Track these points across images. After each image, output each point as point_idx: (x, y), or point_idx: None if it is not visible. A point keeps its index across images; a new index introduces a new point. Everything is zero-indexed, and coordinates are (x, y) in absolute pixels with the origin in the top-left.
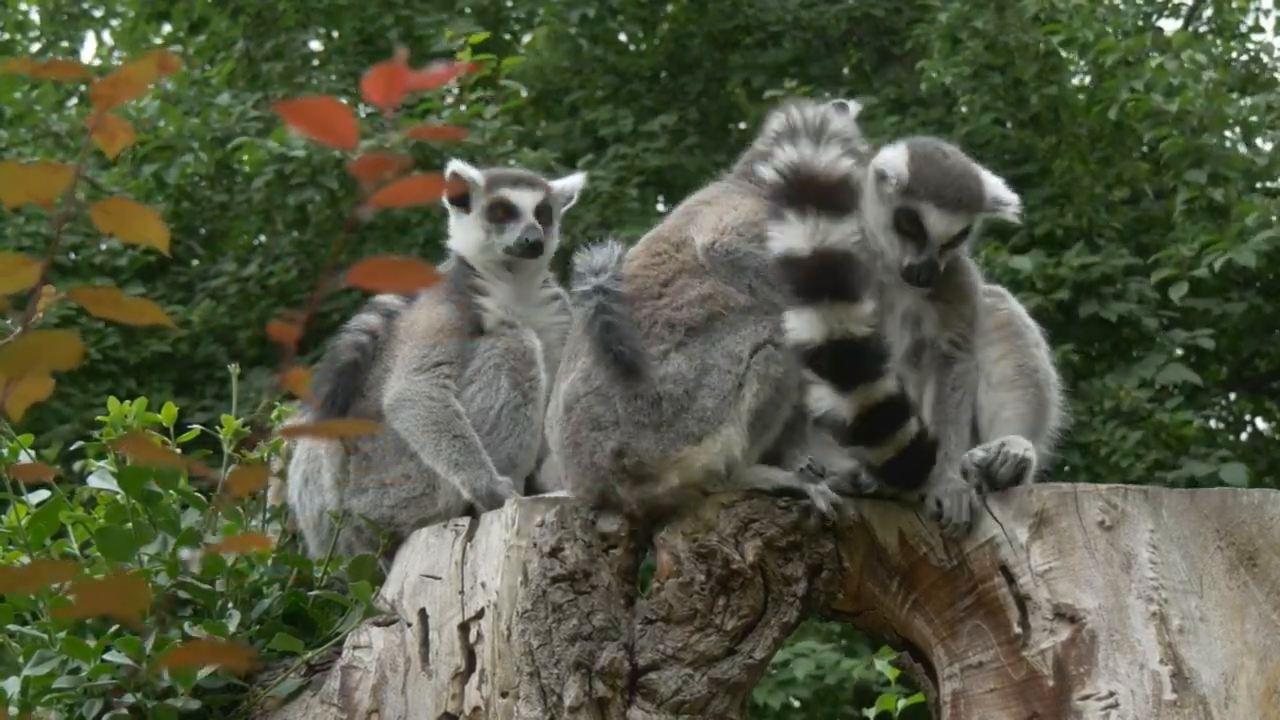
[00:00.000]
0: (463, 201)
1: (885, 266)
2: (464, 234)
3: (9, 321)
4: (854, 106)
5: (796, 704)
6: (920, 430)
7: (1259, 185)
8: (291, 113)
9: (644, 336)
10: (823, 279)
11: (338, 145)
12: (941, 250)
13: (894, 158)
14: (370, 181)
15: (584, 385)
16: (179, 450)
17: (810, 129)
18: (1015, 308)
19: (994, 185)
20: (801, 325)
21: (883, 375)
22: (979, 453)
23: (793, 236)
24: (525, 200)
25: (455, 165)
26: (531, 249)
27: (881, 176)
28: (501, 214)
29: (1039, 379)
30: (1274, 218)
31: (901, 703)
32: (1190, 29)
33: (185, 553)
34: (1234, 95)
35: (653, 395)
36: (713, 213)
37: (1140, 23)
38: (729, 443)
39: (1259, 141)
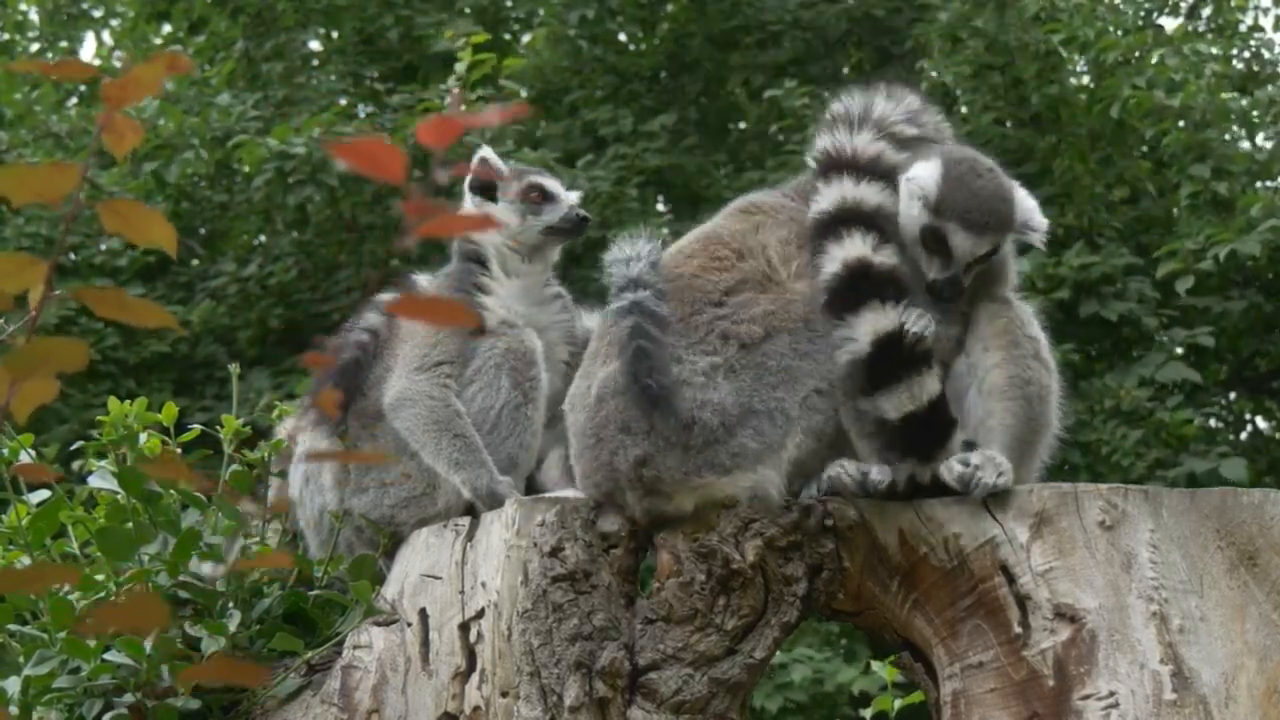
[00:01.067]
0: (487, 191)
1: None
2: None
3: (4, 321)
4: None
5: (794, 706)
6: (942, 396)
7: (1260, 185)
8: (342, 152)
9: (697, 343)
10: (850, 218)
11: (388, 181)
12: (967, 268)
13: (926, 174)
14: (417, 218)
15: (615, 382)
16: (179, 450)
17: (848, 119)
18: (1017, 315)
19: (1026, 209)
20: (828, 262)
21: (894, 304)
22: (957, 467)
23: (823, 201)
24: (559, 186)
25: (485, 152)
26: (582, 222)
27: (911, 192)
28: (538, 197)
29: (1030, 392)
30: (1279, 199)
31: (898, 703)
32: (1190, 28)
33: (207, 567)
34: (1236, 94)
35: (688, 418)
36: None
37: (1141, 21)
38: (764, 481)
39: (1260, 139)
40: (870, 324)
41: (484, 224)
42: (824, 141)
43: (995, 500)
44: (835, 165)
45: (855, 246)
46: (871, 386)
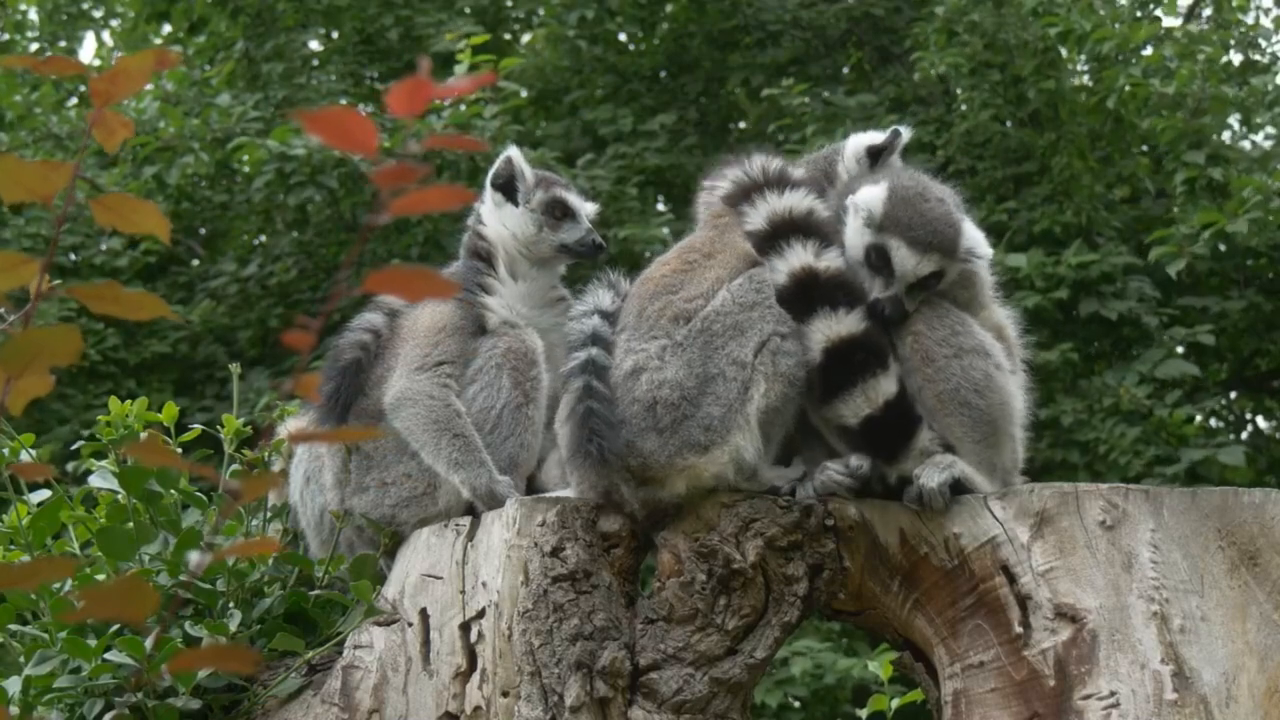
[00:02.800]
0: (508, 191)
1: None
2: (510, 223)
3: (2, 311)
4: (906, 132)
5: (796, 704)
6: (902, 395)
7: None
8: (312, 122)
9: (647, 331)
10: (786, 229)
11: (358, 154)
12: (909, 290)
13: (871, 194)
14: (391, 190)
15: None
16: (180, 450)
17: (734, 162)
18: (921, 324)
19: (972, 237)
20: (776, 271)
21: (846, 310)
22: (911, 490)
23: (754, 219)
24: (584, 206)
25: (512, 152)
26: (596, 249)
27: (856, 211)
28: (559, 213)
29: (963, 396)
30: (1274, 185)
31: (895, 702)
32: (1193, 28)
33: (193, 556)
34: (1232, 84)
35: (648, 400)
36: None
37: (1139, 13)
38: (738, 450)
39: (1259, 138)
40: (822, 332)
41: (456, 197)
42: (725, 183)
43: (996, 500)
44: (750, 189)
45: (798, 256)
46: (827, 393)
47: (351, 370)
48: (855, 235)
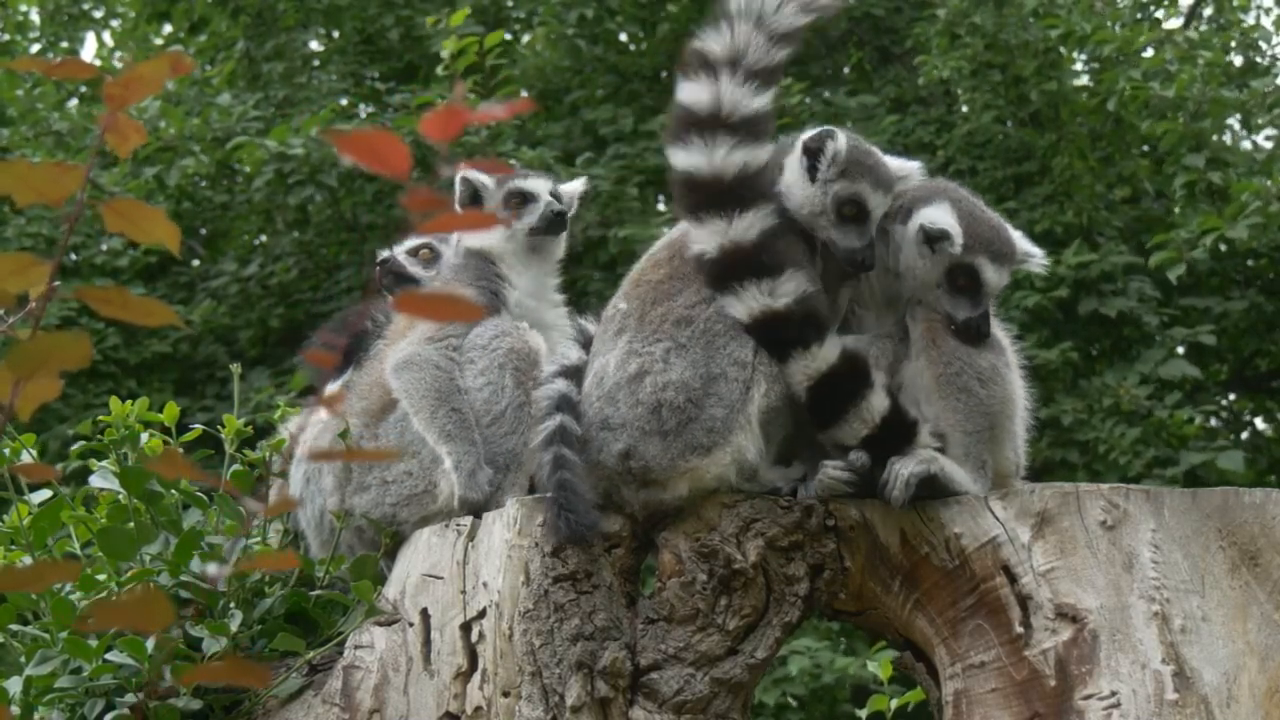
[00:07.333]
0: (475, 204)
1: (886, 268)
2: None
3: (4, 314)
4: (842, 136)
5: (794, 703)
6: (894, 407)
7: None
8: (344, 144)
9: (650, 335)
10: (736, 268)
11: (391, 176)
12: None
13: (942, 216)
14: (419, 214)
15: (597, 388)
16: (180, 450)
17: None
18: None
19: (1020, 237)
20: (731, 306)
21: (818, 345)
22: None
23: (699, 243)
24: (538, 186)
25: (466, 171)
26: (557, 220)
27: (939, 235)
28: (517, 202)
29: (963, 382)
30: (1273, 188)
31: (894, 703)
32: (1193, 29)
33: (212, 568)
34: (1232, 85)
35: (652, 402)
36: None
37: (1139, 15)
38: (740, 449)
39: (1260, 139)
40: (801, 371)
41: (485, 221)
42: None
43: (997, 500)
44: (701, 190)
45: (752, 299)
46: (822, 425)
47: (358, 333)
48: (929, 259)
